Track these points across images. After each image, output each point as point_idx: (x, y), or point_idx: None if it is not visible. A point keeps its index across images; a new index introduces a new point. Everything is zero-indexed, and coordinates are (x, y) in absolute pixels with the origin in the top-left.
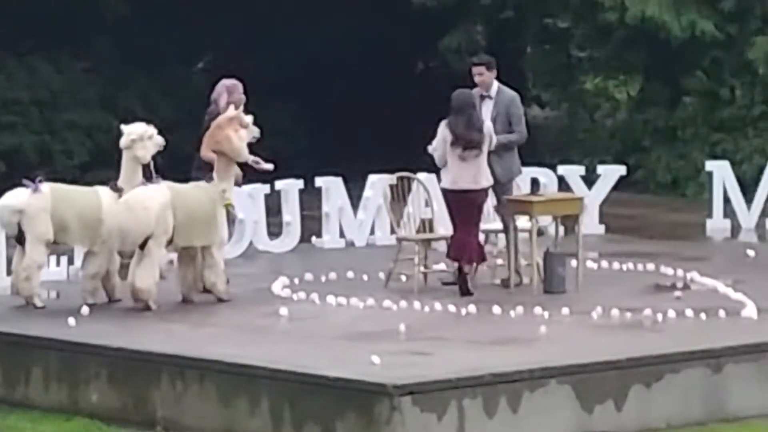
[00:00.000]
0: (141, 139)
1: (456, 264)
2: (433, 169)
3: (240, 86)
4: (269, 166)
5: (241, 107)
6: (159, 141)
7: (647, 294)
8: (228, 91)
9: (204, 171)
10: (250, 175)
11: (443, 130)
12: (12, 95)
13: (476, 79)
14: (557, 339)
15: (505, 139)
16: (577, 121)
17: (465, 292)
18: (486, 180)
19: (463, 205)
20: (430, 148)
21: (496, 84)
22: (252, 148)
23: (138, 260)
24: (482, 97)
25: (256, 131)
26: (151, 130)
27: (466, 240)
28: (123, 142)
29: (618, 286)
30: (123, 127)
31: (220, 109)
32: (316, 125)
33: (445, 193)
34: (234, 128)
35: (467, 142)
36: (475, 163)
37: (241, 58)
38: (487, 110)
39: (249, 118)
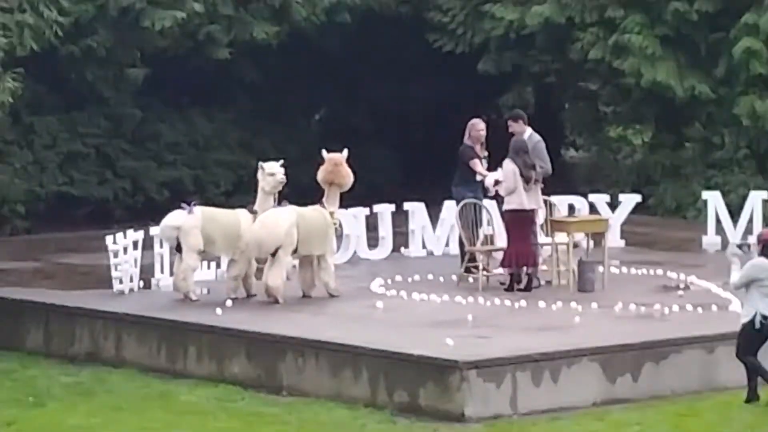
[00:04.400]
0: (262, 174)
1: (509, 269)
2: (493, 197)
3: (478, 124)
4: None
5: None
6: (278, 179)
7: (657, 293)
8: (469, 128)
9: (470, 184)
10: (348, 199)
11: (512, 166)
12: (174, 140)
13: (512, 129)
14: (588, 327)
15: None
16: (603, 161)
17: (527, 288)
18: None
19: (526, 222)
20: (488, 183)
21: (529, 130)
22: (354, 182)
23: (270, 265)
24: None
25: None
26: (274, 169)
27: (526, 249)
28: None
29: (634, 287)
30: (261, 163)
31: (464, 141)
32: (405, 163)
33: (512, 213)
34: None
35: (527, 177)
36: (535, 190)
37: (347, 112)
38: None
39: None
